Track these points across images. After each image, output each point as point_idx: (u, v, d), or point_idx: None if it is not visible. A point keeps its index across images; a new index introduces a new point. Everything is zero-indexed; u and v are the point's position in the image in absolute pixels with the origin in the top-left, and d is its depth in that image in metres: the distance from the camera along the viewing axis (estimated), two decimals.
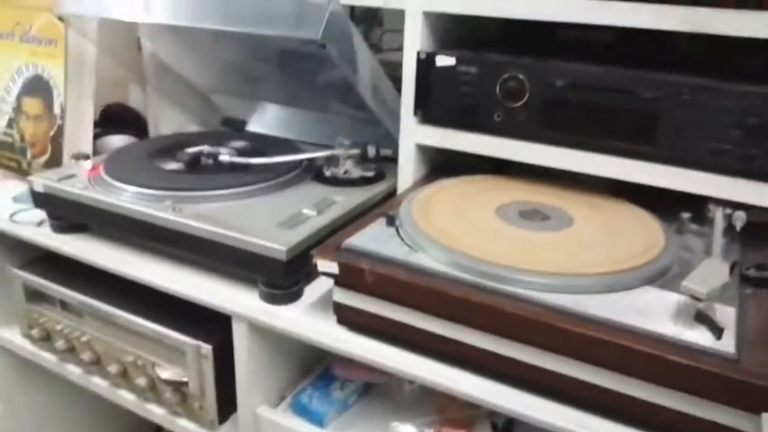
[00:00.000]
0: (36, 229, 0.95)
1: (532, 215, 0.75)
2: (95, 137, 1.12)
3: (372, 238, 0.70)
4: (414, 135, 0.88)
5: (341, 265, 0.66)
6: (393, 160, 0.92)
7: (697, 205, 0.74)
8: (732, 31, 0.66)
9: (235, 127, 1.17)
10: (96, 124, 1.18)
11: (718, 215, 0.70)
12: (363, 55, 0.82)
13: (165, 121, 1.17)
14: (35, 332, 1.02)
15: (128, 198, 0.85)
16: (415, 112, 0.86)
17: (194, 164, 0.93)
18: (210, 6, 0.78)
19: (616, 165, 0.75)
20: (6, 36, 1.07)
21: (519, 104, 0.79)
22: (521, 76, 0.78)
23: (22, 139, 1.09)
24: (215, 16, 0.77)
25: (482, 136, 0.82)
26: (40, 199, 0.92)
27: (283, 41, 0.95)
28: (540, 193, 0.82)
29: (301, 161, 0.95)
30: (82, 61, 1.01)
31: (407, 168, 0.90)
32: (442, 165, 0.92)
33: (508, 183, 0.86)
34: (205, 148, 0.94)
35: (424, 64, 0.83)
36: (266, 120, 1.18)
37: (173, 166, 0.93)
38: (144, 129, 1.19)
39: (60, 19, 0.92)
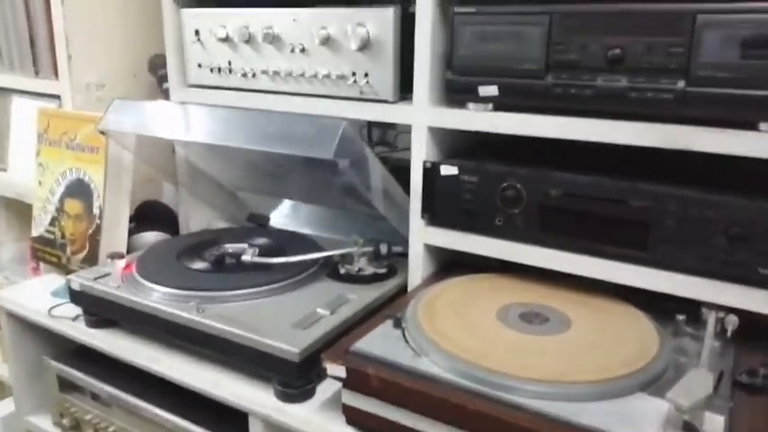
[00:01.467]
0: (72, 324, 1.02)
1: (532, 318, 0.79)
2: (131, 233, 1.20)
3: (379, 342, 0.74)
4: (422, 236, 0.93)
5: (348, 370, 0.70)
6: (405, 255, 0.97)
7: (693, 308, 0.77)
8: (712, 148, 0.71)
9: (259, 222, 1.25)
10: (132, 219, 1.27)
11: (711, 319, 0.73)
12: (374, 167, 0.89)
13: (195, 217, 1.25)
14: (66, 421, 1.08)
15: (157, 298, 0.91)
16: (423, 216, 0.92)
17: (219, 263, 1.00)
18: (238, 129, 0.87)
19: (611, 268, 0.79)
20: (55, 143, 1.18)
21: (517, 211, 0.84)
22: (518, 186, 0.83)
23: (63, 236, 1.17)
24: (242, 137, 0.86)
25: (485, 239, 0.88)
26: (77, 296, 0.99)
27: None
28: (541, 292, 0.86)
29: (318, 259, 1.01)
30: (120, 168, 1.11)
31: (417, 267, 0.95)
32: (451, 261, 0.97)
33: (511, 282, 0.90)
34: (229, 248, 1.01)
35: (430, 172, 0.90)
36: (288, 215, 1.26)
37: (199, 265, 1.00)
38: (175, 224, 1.27)
39: (102, 132, 1.02)
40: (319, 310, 0.87)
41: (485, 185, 0.86)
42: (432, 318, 0.78)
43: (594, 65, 0.76)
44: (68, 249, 1.17)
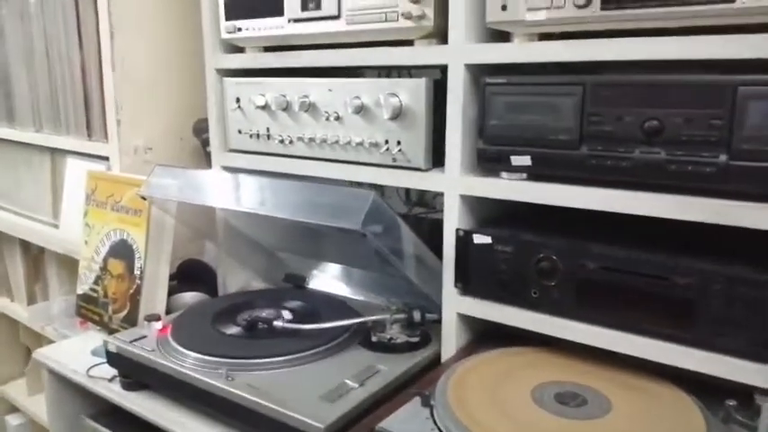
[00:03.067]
0: (107, 385, 1.03)
1: (569, 399, 0.75)
2: (172, 291, 1.22)
3: (406, 421, 0.72)
4: (455, 305, 0.91)
5: None
6: (440, 321, 0.95)
7: (744, 393, 0.71)
8: (756, 225, 0.67)
9: (296, 283, 1.25)
10: (174, 276, 1.29)
11: (766, 409, 0.68)
12: (406, 235, 0.88)
13: (234, 276, 1.26)
14: None
15: (188, 363, 0.91)
16: (456, 284, 0.90)
17: (252, 328, 1.00)
18: (273, 198, 0.89)
19: (652, 347, 0.75)
20: (101, 205, 1.22)
21: (553, 283, 0.81)
22: (554, 257, 0.81)
23: (106, 295, 1.20)
24: (275, 207, 0.88)
25: (520, 311, 0.85)
26: (113, 358, 1.01)
27: None
28: (579, 370, 0.82)
29: (350, 326, 0.99)
30: (161, 231, 1.14)
31: (450, 336, 0.92)
32: (486, 329, 0.94)
33: (547, 357, 0.86)
34: (262, 313, 1.01)
35: (463, 240, 0.88)
36: (325, 275, 1.25)
37: (233, 330, 1.00)
38: (215, 283, 1.29)
39: (143, 198, 1.05)
40: (348, 381, 0.85)
41: (519, 256, 0.84)
42: (462, 397, 0.75)
43: (631, 136, 0.74)
44: (110, 308, 1.19)
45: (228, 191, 0.98)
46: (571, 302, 0.80)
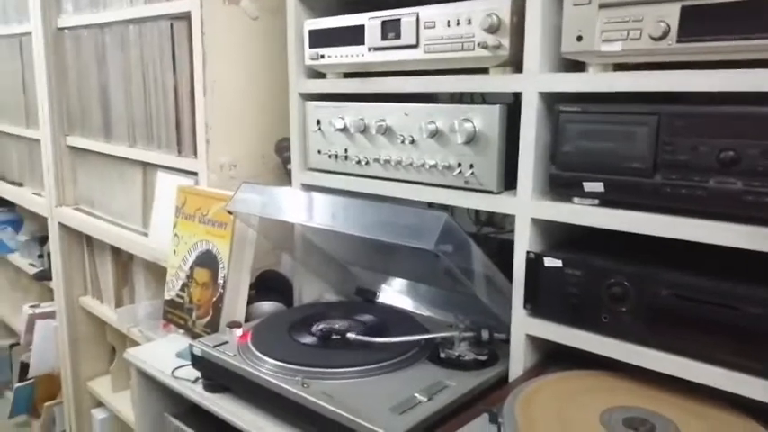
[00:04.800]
0: (191, 386, 1.10)
1: (638, 424, 0.76)
2: (250, 301, 1.29)
3: None
4: (524, 326, 0.93)
5: None
6: (508, 341, 0.97)
7: None
8: None
9: (366, 297, 1.30)
10: (252, 286, 1.36)
11: None
12: (476, 256, 0.91)
13: (308, 288, 1.32)
14: None
15: (266, 369, 0.97)
16: (525, 306, 0.92)
17: (326, 338, 1.05)
18: (349, 216, 0.94)
19: (724, 376, 0.75)
20: (189, 217, 1.31)
21: (624, 309, 0.82)
22: (625, 283, 0.82)
23: (191, 301, 1.29)
24: (352, 225, 0.93)
25: (589, 334, 0.86)
26: (197, 360, 1.08)
27: None
28: (648, 396, 0.82)
29: (419, 341, 1.03)
30: (244, 243, 1.21)
31: (518, 356, 0.94)
32: (554, 350, 0.96)
33: (617, 382, 0.87)
34: (336, 324, 1.06)
35: (533, 263, 0.90)
36: (394, 291, 1.30)
37: (308, 339, 1.06)
38: (290, 293, 1.35)
39: (229, 212, 1.13)
40: (417, 395, 0.88)
41: (590, 280, 0.85)
42: (530, 416, 0.77)
43: (706, 166, 0.75)
44: (194, 314, 1.28)
45: (308, 208, 1.04)
46: (641, 328, 0.81)
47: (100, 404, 2.00)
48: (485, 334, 1.01)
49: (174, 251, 1.35)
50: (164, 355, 1.23)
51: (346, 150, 1.12)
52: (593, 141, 0.84)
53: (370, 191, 1.10)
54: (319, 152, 1.17)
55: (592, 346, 0.86)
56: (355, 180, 1.12)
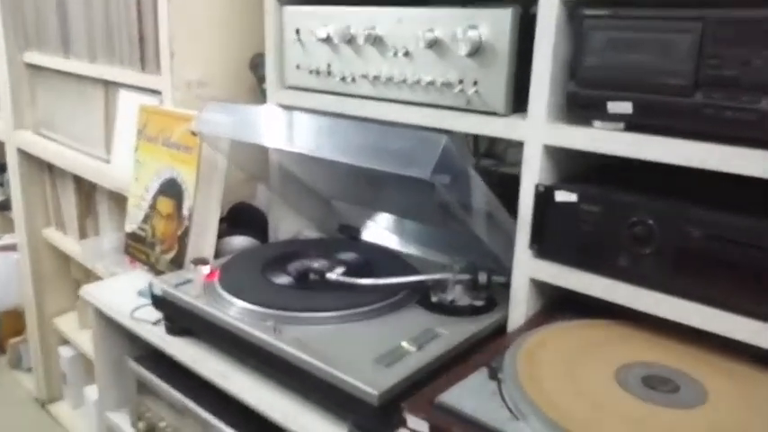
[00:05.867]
0: (151, 328, 0.99)
1: (658, 383, 0.66)
2: (221, 235, 1.17)
3: (470, 395, 0.64)
4: (528, 269, 0.82)
5: (432, 427, 0.60)
6: (507, 286, 0.87)
7: None
8: None
9: (350, 234, 1.18)
10: (224, 220, 1.24)
11: None
12: (477, 188, 0.79)
13: (285, 223, 1.20)
14: (141, 425, 1.05)
15: (234, 312, 0.86)
16: (531, 246, 0.80)
17: (303, 279, 0.93)
18: (333, 139, 0.81)
19: (756, 330, 0.64)
20: (152, 140, 1.17)
21: (647, 251, 0.71)
22: (650, 222, 0.70)
23: (154, 235, 1.16)
24: (335, 149, 0.79)
25: (604, 279, 0.75)
26: (158, 301, 0.96)
27: None
28: (671, 350, 0.72)
29: (408, 283, 0.91)
30: (212, 171, 1.07)
31: (520, 303, 0.83)
32: (561, 297, 0.85)
33: (634, 333, 0.76)
34: (314, 263, 0.94)
35: (543, 197, 0.78)
36: (381, 229, 1.18)
37: (282, 279, 0.94)
38: (266, 229, 1.22)
39: (194, 134, 0.98)
40: (405, 344, 0.78)
41: (609, 218, 0.73)
42: (535, 372, 0.67)
43: (759, 84, 0.62)
44: (158, 248, 1.15)
45: (286, 130, 0.90)
46: (666, 274, 0.70)
47: (67, 342, 1.89)
48: (482, 277, 0.90)
49: (136, 178, 1.21)
50: (125, 292, 1.11)
51: (329, 65, 0.98)
52: (623, 53, 0.70)
53: (357, 112, 0.96)
54: (298, 67, 1.02)
55: (607, 294, 0.75)
56: (339, 100, 0.98)
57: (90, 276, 1.62)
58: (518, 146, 0.80)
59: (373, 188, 1.12)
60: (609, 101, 0.71)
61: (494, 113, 0.81)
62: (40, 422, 1.94)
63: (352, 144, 0.78)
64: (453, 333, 0.81)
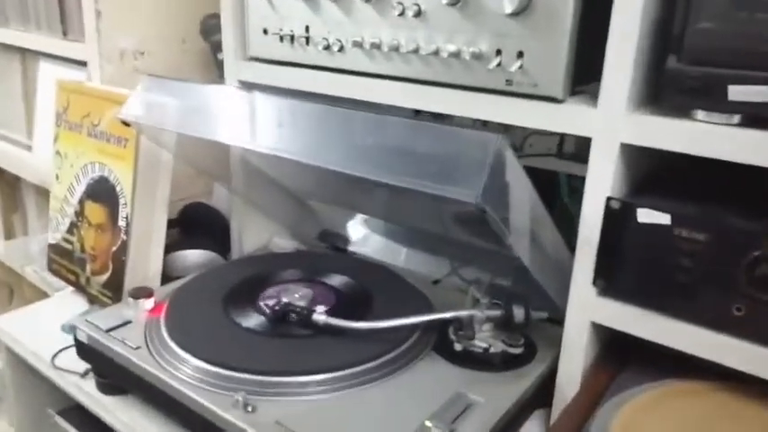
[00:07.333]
0: (78, 382, 0.75)
1: None
2: (171, 246, 0.92)
3: None
4: (589, 310, 0.60)
5: None
6: (552, 322, 0.66)
7: None
8: None
9: (335, 244, 0.94)
10: (173, 224, 0.99)
11: None
12: (523, 196, 0.56)
13: (252, 230, 0.95)
14: None
15: (188, 374, 0.62)
16: (595, 281, 0.59)
17: (280, 320, 0.70)
18: (323, 140, 0.56)
19: None
20: (75, 128, 0.90)
21: None
22: None
23: (83, 249, 0.90)
24: (324, 153, 0.55)
25: (709, 333, 0.54)
26: (84, 350, 0.72)
27: None
28: None
29: (421, 323, 0.69)
30: (155, 168, 0.82)
31: (576, 352, 0.62)
32: (615, 340, 0.63)
33: (748, 401, 0.56)
34: (295, 296, 0.72)
35: (618, 217, 0.56)
36: (371, 238, 0.95)
37: (251, 320, 0.70)
38: (227, 235, 0.98)
39: (125, 123, 0.73)
40: (430, 424, 0.55)
41: (719, 249, 0.52)
42: None
43: None
44: (88, 267, 0.90)
45: (247, 119, 0.65)
46: None
47: None
48: (518, 315, 0.68)
49: (57, 176, 0.94)
50: (48, 324, 0.86)
51: (307, 29, 0.72)
52: (755, 11, 0.48)
53: (346, 94, 0.72)
54: (266, 32, 0.77)
55: (714, 353, 0.53)
56: (321, 76, 0.73)
57: (21, 282, 1.36)
58: (543, 134, 0.58)
59: (361, 186, 0.88)
60: (730, 83, 0.49)
61: (548, 98, 0.58)
62: None
63: (351, 145, 0.54)
64: (492, 399, 0.60)
